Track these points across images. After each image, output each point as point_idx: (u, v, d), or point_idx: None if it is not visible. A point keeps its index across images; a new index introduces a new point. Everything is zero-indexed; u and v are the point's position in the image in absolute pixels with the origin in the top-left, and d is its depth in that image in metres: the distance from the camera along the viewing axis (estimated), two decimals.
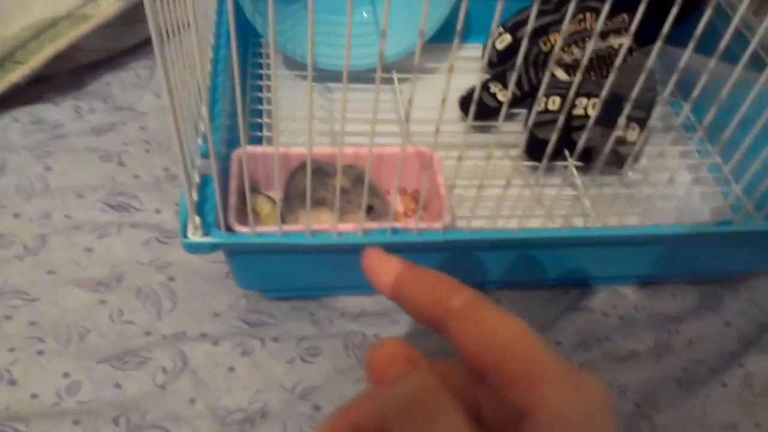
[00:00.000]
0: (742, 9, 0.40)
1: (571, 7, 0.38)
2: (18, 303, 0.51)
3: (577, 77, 0.42)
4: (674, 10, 0.36)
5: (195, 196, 0.45)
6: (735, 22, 0.39)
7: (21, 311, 0.51)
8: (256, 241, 0.45)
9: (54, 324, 0.50)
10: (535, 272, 0.56)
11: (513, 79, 0.39)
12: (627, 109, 0.43)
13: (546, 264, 0.55)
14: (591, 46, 0.40)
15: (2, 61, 0.60)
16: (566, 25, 0.38)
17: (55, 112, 0.65)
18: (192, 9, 0.36)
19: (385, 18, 0.32)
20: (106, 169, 0.61)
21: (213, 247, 0.44)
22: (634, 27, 0.38)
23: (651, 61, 0.41)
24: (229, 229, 0.47)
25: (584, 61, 0.40)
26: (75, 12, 0.60)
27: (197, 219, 0.44)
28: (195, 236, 0.44)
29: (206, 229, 0.44)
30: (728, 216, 0.59)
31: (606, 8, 0.37)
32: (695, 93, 0.41)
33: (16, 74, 0.60)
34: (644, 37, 0.63)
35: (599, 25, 0.38)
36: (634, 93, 0.42)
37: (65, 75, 0.67)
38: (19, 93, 0.63)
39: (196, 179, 0.46)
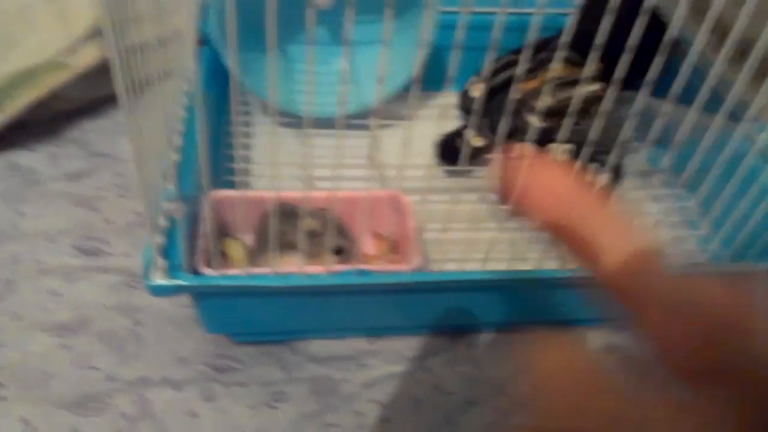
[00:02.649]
0: (717, 65, 0.41)
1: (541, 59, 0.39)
2: None
3: (566, 122, 0.42)
4: (658, 62, 0.37)
5: (160, 239, 0.45)
6: (710, 79, 0.40)
7: None
8: (221, 284, 0.44)
9: (16, 369, 0.50)
10: (512, 314, 0.55)
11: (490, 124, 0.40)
12: (618, 151, 0.43)
13: (523, 305, 0.54)
14: (573, 94, 0.41)
15: None
16: (539, 75, 0.39)
17: (31, 158, 0.65)
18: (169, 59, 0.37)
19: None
20: (78, 214, 0.61)
21: (177, 290, 0.44)
22: (618, 74, 0.39)
23: (636, 107, 0.42)
24: (196, 272, 0.47)
25: (572, 107, 0.41)
26: (53, 60, 0.62)
27: (162, 262, 0.44)
28: (159, 279, 0.43)
29: (172, 272, 0.44)
30: (699, 259, 0.59)
31: (590, 62, 0.38)
32: (677, 144, 0.42)
33: None
34: (611, 82, 0.65)
35: (585, 71, 0.39)
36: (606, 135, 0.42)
37: (44, 122, 0.68)
38: None
39: (163, 222, 0.46)
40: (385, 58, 0.37)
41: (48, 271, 0.56)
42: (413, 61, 0.67)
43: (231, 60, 0.33)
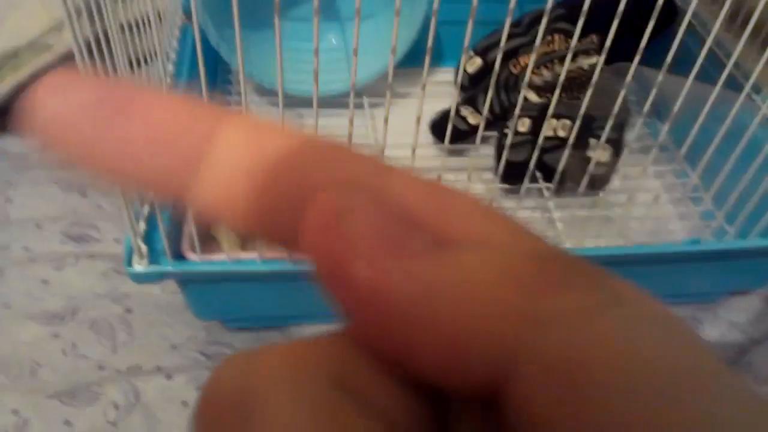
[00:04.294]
0: (715, 30, 0.39)
1: (542, 29, 0.37)
2: None
3: (555, 95, 0.41)
4: (650, 26, 0.35)
5: (143, 225, 0.44)
6: (709, 42, 0.38)
7: None
8: (204, 270, 0.43)
9: (6, 359, 0.49)
10: None
11: (488, 100, 0.39)
12: (606, 130, 0.42)
13: None
14: (566, 65, 0.39)
15: None
16: (537, 47, 0.37)
17: (19, 144, 0.64)
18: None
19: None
20: (67, 200, 0.60)
21: (159, 276, 0.43)
22: (608, 43, 0.37)
23: (629, 78, 0.41)
24: (181, 257, 0.46)
25: (561, 79, 0.39)
26: (37, 42, 0.60)
27: (143, 248, 0.43)
28: (140, 266, 0.42)
29: (153, 258, 0.43)
30: (705, 237, 0.57)
31: (578, 29, 0.36)
32: (673, 114, 0.40)
33: None
34: (612, 55, 0.63)
35: (574, 41, 0.37)
36: (615, 110, 0.41)
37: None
38: None
39: (147, 208, 0.45)
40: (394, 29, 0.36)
41: (37, 258, 0.55)
42: (407, 37, 0.66)
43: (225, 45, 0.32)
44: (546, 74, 0.67)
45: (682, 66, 0.40)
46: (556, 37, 0.68)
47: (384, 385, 0.11)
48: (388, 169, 0.12)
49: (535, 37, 0.71)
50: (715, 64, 0.55)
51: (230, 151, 0.12)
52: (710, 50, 0.39)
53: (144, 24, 0.49)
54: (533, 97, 0.67)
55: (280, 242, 0.12)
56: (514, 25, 0.72)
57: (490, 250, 0.11)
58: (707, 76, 0.43)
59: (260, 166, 0.11)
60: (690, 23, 0.61)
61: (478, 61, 0.71)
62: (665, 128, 0.43)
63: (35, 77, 0.61)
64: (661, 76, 0.39)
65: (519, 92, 0.70)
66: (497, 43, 0.70)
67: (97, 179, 0.12)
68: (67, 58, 0.63)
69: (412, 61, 0.64)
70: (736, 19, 0.63)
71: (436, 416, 0.11)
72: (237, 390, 0.10)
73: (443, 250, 0.10)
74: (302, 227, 0.11)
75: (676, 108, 0.42)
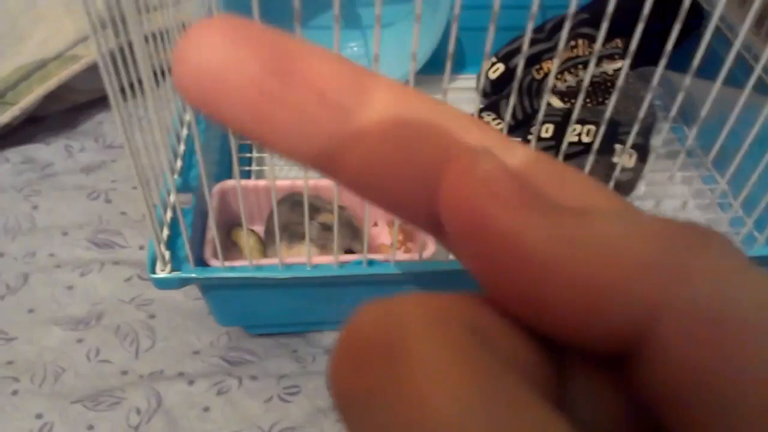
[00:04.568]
0: (743, 33, 0.38)
1: (565, 34, 0.37)
2: None
3: (579, 101, 0.40)
4: (676, 29, 0.35)
5: (165, 232, 0.44)
6: (737, 46, 0.37)
7: None
8: (226, 276, 0.43)
9: (30, 364, 0.50)
10: None
11: (510, 106, 0.38)
12: (632, 135, 0.41)
13: None
14: (590, 69, 0.39)
15: None
16: (560, 53, 0.37)
17: (46, 151, 0.65)
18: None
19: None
20: (92, 206, 0.60)
21: (182, 283, 0.43)
22: (633, 47, 0.36)
23: (655, 82, 0.40)
24: (204, 264, 0.46)
25: (585, 84, 0.39)
26: (64, 53, 0.61)
27: (167, 254, 0.43)
28: (163, 272, 0.43)
29: (176, 265, 0.43)
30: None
31: (602, 34, 0.36)
32: (700, 118, 0.40)
33: (6, 115, 0.61)
34: (636, 60, 0.62)
35: (598, 46, 0.37)
36: (641, 115, 0.40)
37: (58, 115, 0.68)
38: (11, 133, 0.64)
39: (170, 214, 0.45)
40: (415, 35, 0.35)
41: (62, 264, 0.56)
42: (428, 44, 0.65)
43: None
44: (569, 79, 0.66)
45: (708, 70, 0.40)
46: (580, 41, 0.68)
47: (513, 337, 0.11)
48: (512, 142, 0.12)
49: (557, 43, 0.71)
50: (743, 67, 0.54)
51: (381, 111, 0.12)
52: (738, 54, 0.38)
53: (167, 35, 0.49)
54: (556, 102, 0.66)
55: (409, 205, 0.12)
56: (536, 30, 0.71)
57: (627, 215, 0.11)
58: (735, 80, 0.42)
59: (406, 125, 0.12)
60: (716, 26, 0.60)
61: (500, 67, 0.71)
62: (693, 133, 0.42)
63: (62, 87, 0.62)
64: (688, 80, 0.38)
65: (542, 98, 0.69)
66: (519, 49, 0.70)
67: (250, 136, 0.12)
68: (94, 68, 0.63)
69: (433, 67, 0.64)
70: (765, 22, 0.62)
71: (555, 374, 0.11)
72: (381, 334, 0.10)
73: (582, 212, 0.11)
74: (445, 181, 0.11)
75: (704, 113, 0.41)
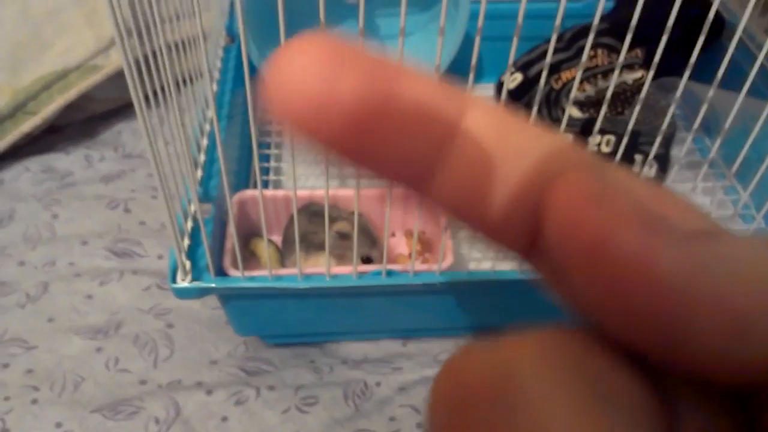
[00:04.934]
0: (767, 46, 0.38)
1: (588, 47, 0.37)
2: (16, 351, 0.51)
3: (602, 111, 0.40)
4: (700, 41, 0.34)
5: (186, 242, 0.44)
6: (761, 58, 0.37)
7: (18, 359, 0.50)
8: (245, 285, 0.43)
9: (50, 372, 0.50)
10: (550, 314, 0.53)
11: (532, 116, 0.38)
12: (655, 146, 0.41)
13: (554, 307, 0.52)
14: (614, 80, 0.39)
15: (14, 112, 0.61)
16: (583, 64, 0.36)
17: (66, 161, 0.65)
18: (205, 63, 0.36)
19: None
20: (112, 216, 0.61)
21: (202, 293, 0.43)
22: (657, 59, 0.36)
23: (678, 93, 0.40)
24: (223, 273, 0.46)
25: (608, 95, 0.38)
26: (85, 64, 0.62)
27: (188, 264, 0.43)
28: (184, 281, 0.43)
29: (196, 274, 0.43)
30: None
31: (626, 45, 0.35)
32: (724, 130, 0.39)
33: (28, 124, 0.61)
34: (657, 70, 0.62)
35: (622, 56, 0.37)
36: (664, 126, 0.40)
37: (78, 125, 0.68)
38: (32, 143, 0.65)
39: (190, 224, 0.46)
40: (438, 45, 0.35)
41: (81, 273, 0.56)
42: (446, 55, 0.65)
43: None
44: (589, 89, 0.66)
45: (730, 81, 0.39)
46: (599, 51, 0.67)
47: (621, 374, 0.10)
48: (608, 163, 0.11)
49: (576, 53, 0.71)
50: (765, 78, 0.54)
51: (478, 130, 0.11)
52: (761, 65, 0.38)
53: (189, 44, 0.49)
54: (575, 112, 0.66)
55: (504, 226, 0.12)
56: (555, 40, 0.71)
57: (752, 238, 0.10)
58: (757, 92, 0.41)
59: (502, 148, 0.11)
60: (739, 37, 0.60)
61: (518, 77, 0.71)
62: (716, 145, 0.41)
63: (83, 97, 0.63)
64: (712, 92, 0.38)
65: (561, 107, 0.69)
66: (537, 59, 0.70)
67: (347, 157, 0.11)
68: (114, 78, 0.64)
69: (451, 77, 0.64)
70: None
71: (662, 405, 0.10)
72: (492, 381, 0.10)
73: (708, 234, 0.10)
74: (555, 201, 0.10)
75: (727, 124, 0.40)
